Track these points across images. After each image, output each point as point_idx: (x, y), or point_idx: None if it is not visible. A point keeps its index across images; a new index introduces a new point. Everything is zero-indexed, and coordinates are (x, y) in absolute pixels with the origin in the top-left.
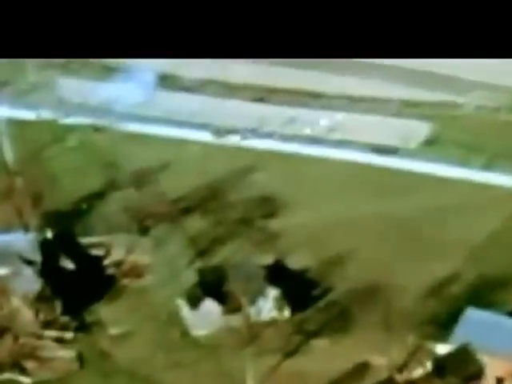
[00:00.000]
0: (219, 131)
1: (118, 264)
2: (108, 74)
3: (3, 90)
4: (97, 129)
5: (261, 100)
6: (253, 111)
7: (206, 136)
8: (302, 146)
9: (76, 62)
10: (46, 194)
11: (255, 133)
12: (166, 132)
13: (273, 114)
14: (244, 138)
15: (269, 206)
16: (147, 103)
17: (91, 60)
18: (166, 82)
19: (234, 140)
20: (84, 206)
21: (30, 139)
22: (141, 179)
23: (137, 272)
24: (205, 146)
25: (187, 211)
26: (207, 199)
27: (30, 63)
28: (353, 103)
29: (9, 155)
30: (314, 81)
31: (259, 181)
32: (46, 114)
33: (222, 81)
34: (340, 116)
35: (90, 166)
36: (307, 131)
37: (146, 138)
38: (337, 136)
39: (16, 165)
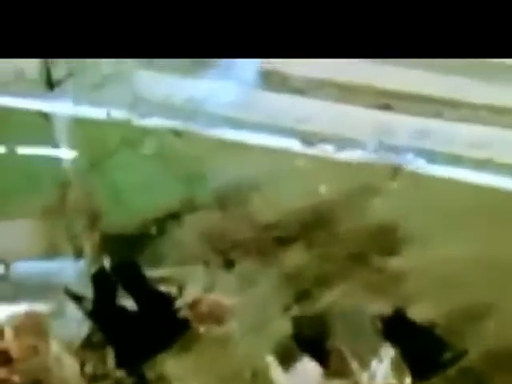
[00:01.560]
0: (308, 139)
1: (192, 305)
2: (197, 67)
3: (67, 81)
4: (179, 134)
5: (385, 107)
6: (375, 120)
7: (314, 148)
8: (434, 164)
9: None
10: (106, 212)
11: (377, 147)
12: (264, 141)
13: (399, 124)
14: (339, 149)
15: (388, 239)
16: (244, 105)
17: None
18: (270, 80)
19: (326, 150)
20: (154, 230)
21: (95, 143)
22: (228, 198)
23: (216, 317)
24: (312, 159)
25: (284, 241)
26: (310, 227)
27: None
28: (499, 115)
29: (66, 161)
30: (452, 86)
31: (378, 206)
32: (118, 113)
33: (339, 82)
34: (483, 130)
35: (167, 179)
36: (442, 147)
37: (239, 147)
38: (479, 155)
39: (74, 173)
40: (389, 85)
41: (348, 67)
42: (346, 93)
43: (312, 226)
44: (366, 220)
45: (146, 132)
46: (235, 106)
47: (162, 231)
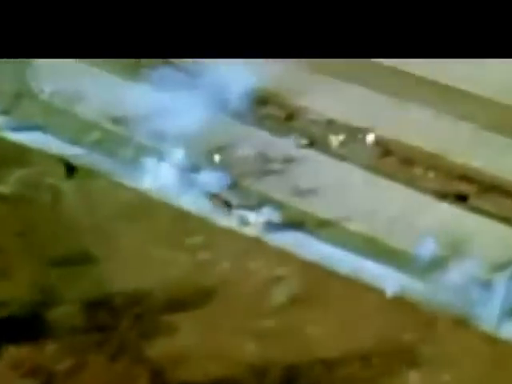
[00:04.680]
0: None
1: None
2: (144, 64)
3: None
4: (74, 170)
5: (457, 198)
6: (438, 215)
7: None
8: None
9: None
10: None
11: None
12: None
13: (479, 229)
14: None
15: None
16: (211, 143)
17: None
18: (267, 113)
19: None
20: None
21: None
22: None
23: None
24: (297, 266)
25: None
26: None
27: None
28: None
29: None
30: None
31: None
32: None
33: (380, 139)
34: None
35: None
36: None
37: (170, 208)
38: None
39: None
40: (471, 161)
41: (403, 117)
42: (393, 159)
43: None
44: None
45: (18, 155)
46: (195, 141)
47: None
